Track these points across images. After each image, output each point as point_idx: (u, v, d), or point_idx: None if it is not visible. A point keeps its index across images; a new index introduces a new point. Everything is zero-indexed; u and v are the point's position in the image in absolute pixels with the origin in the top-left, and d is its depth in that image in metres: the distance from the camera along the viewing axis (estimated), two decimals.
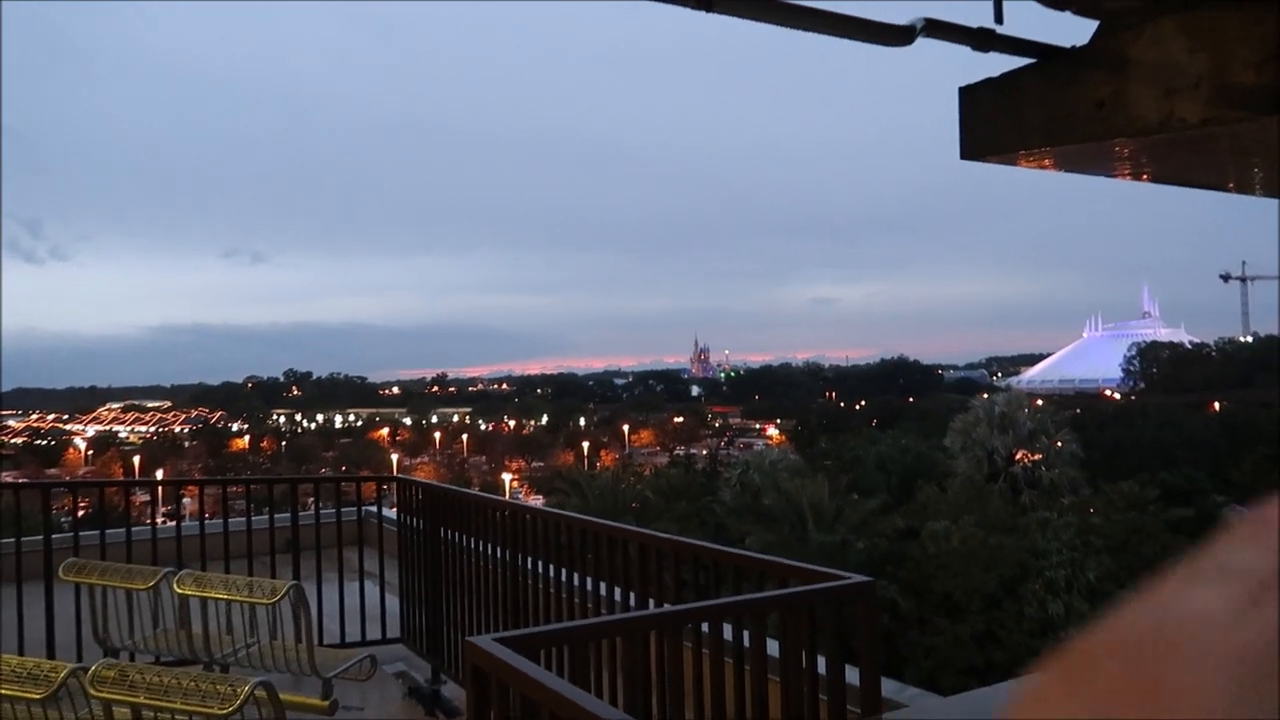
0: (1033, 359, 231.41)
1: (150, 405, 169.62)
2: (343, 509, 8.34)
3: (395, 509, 8.32)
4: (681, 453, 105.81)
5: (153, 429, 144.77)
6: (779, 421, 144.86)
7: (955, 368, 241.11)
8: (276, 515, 8.14)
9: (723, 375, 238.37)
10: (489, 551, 6.10)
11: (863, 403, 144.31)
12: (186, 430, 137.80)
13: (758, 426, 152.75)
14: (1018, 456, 43.90)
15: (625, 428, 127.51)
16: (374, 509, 10.12)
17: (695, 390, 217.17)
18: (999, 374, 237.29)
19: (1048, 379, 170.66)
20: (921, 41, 3.05)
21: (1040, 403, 55.49)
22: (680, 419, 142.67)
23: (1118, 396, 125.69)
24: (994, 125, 3.86)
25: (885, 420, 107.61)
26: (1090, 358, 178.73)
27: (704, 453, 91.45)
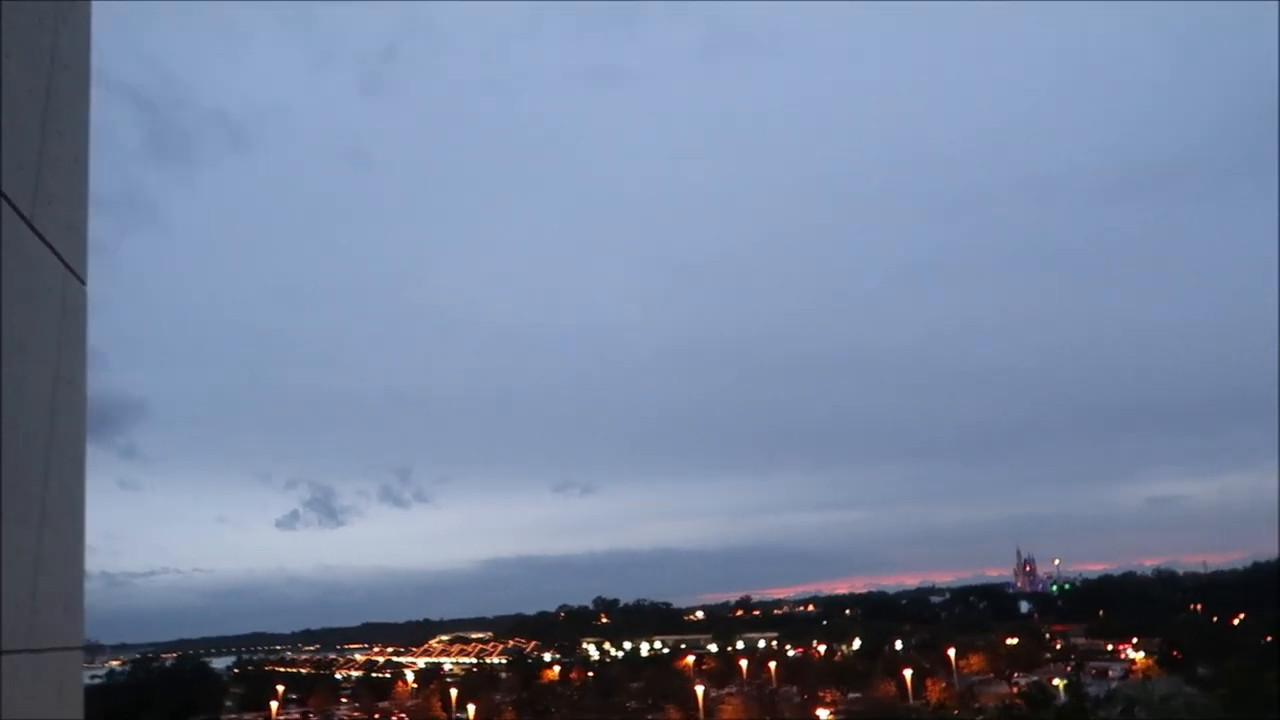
0: None
1: (474, 636, 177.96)
2: None
3: None
4: (1023, 681, 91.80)
5: (474, 660, 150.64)
6: (1135, 641, 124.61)
7: None
8: None
9: (1054, 588, 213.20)
10: None
11: (1242, 615, 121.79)
12: (503, 661, 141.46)
13: (1110, 647, 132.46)
14: None
15: (951, 651, 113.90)
16: None
17: (1024, 606, 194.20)
18: None
19: None
20: None
21: None
22: (1014, 640, 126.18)
23: None
24: None
25: None
26: None
27: (1055, 682, 78.22)
